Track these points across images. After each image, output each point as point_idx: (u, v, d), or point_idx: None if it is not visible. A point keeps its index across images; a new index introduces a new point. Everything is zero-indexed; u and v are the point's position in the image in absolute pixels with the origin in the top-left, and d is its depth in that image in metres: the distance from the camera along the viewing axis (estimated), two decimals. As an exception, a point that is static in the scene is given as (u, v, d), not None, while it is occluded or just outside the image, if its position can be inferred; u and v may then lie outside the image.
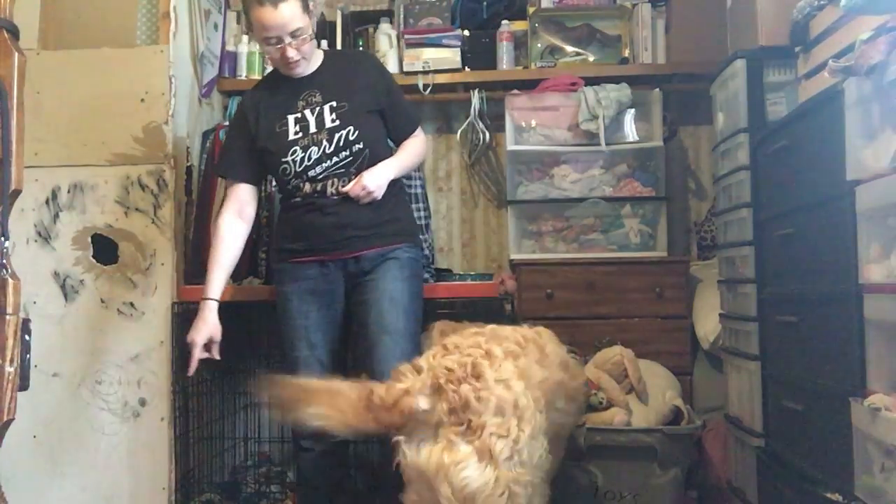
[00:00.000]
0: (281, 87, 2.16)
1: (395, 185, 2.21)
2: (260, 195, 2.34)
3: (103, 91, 2.55)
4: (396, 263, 2.12)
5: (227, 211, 2.21)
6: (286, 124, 2.11)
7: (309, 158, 2.08)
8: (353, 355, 2.25)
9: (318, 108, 2.11)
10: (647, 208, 2.96)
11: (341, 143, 2.08)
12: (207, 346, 2.13)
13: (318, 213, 2.10)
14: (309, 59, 2.12)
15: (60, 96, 2.55)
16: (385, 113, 2.19)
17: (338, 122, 2.09)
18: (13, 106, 1.26)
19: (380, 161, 2.13)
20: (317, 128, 2.09)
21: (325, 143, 2.08)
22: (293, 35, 2.02)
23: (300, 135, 2.10)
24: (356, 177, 2.09)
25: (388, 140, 2.25)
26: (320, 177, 2.09)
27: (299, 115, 2.11)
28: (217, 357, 2.15)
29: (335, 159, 2.09)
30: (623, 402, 2.34)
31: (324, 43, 3.06)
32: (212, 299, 2.15)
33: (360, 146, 2.09)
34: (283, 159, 2.10)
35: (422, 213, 2.74)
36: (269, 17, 1.98)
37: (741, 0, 2.36)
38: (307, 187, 2.11)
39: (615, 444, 2.29)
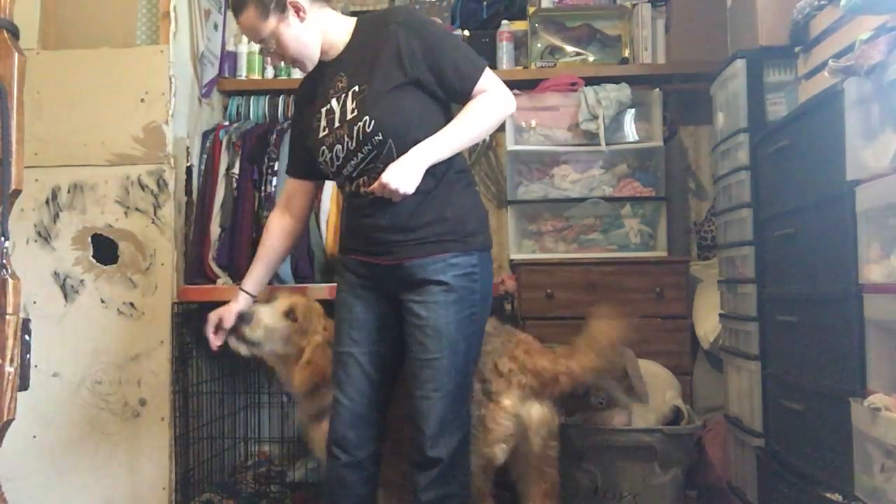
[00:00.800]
0: (319, 74, 1.92)
1: (446, 172, 1.84)
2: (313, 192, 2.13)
3: (103, 91, 2.55)
4: (440, 287, 1.82)
5: (276, 206, 2.13)
6: (319, 119, 1.88)
7: (337, 158, 1.85)
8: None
9: (343, 96, 1.84)
10: (647, 208, 2.96)
11: (361, 137, 1.80)
12: (218, 327, 2.05)
13: (357, 214, 1.89)
14: (304, 58, 1.87)
15: (60, 96, 2.54)
16: (423, 81, 1.80)
17: (356, 112, 1.80)
18: (13, 106, 1.26)
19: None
20: (340, 121, 1.83)
21: (346, 138, 1.82)
22: (264, 42, 1.85)
23: (326, 131, 1.86)
24: (383, 169, 1.79)
25: (438, 111, 1.87)
26: (354, 174, 1.85)
27: (328, 106, 1.86)
28: (217, 342, 2.07)
29: (360, 155, 1.82)
30: (623, 403, 2.34)
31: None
32: (242, 290, 2.07)
33: (380, 137, 1.78)
34: (318, 160, 1.90)
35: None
36: (240, 27, 1.89)
37: (741, 0, 2.36)
38: (347, 186, 1.90)
39: (615, 444, 2.29)
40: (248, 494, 2.74)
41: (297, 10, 1.81)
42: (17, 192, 1.29)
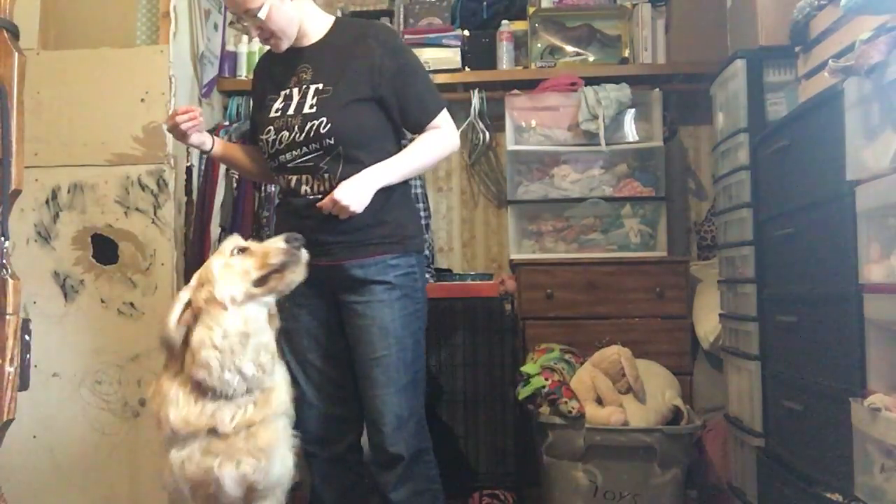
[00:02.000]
0: (283, 58, 1.94)
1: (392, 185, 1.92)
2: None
3: (103, 91, 2.55)
4: (382, 287, 1.87)
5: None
6: (275, 100, 1.92)
7: (280, 142, 1.87)
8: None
9: (304, 88, 1.88)
10: (647, 208, 2.96)
11: (311, 134, 1.83)
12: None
13: (294, 215, 1.90)
14: (284, 36, 1.87)
15: (60, 96, 2.54)
16: (386, 101, 1.87)
17: (314, 110, 1.84)
18: (13, 106, 1.26)
19: (362, 160, 1.84)
20: (294, 111, 1.87)
21: (296, 129, 1.85)
22: (250, 14, 1.83)
23: (279, 114, 1.89)
24: (326, 174, 1.85)
25: (390, 133, 1.94)
26: (290, 166, 1.88)
27: (288, 91, 1.90)
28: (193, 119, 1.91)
29: (304, 149, 1.85)
30: (616, 402, 2.34)
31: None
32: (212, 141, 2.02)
33: (331, 142, 1.82)
34: (261, 136, 1.93)
35: (422, 214, 2.73)
36: None
37: (741, 0, 2.36)
38: (282, 181, 1.92)
39: (615, 444, 2.29)
40: (248, 494, 2.74)
41: None
42: (17, 192, 1.29)
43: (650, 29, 3.06)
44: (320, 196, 1.85)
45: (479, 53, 3.11)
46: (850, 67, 1.56)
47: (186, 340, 1.68)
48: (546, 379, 2.38)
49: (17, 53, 1.28)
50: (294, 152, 1.87)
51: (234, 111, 3.06)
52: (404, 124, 1.94)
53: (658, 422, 2.35)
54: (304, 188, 1.87)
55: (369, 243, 1.87)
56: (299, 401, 1.97)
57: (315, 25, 1.94)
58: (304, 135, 1.84)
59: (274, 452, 1.70)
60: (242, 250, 1.74)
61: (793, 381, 1.89)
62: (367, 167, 1.84)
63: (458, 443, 2.77)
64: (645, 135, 2.98)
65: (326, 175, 1.85)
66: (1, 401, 1.21)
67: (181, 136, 1.93)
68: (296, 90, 1.89)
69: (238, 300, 1.68)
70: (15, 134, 1.26)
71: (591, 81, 2.97)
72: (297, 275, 1.74)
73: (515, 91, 3.03)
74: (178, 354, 1.69)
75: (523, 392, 2.40)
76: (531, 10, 3.11)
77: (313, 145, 1.84)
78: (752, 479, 2.19)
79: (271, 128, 1.90)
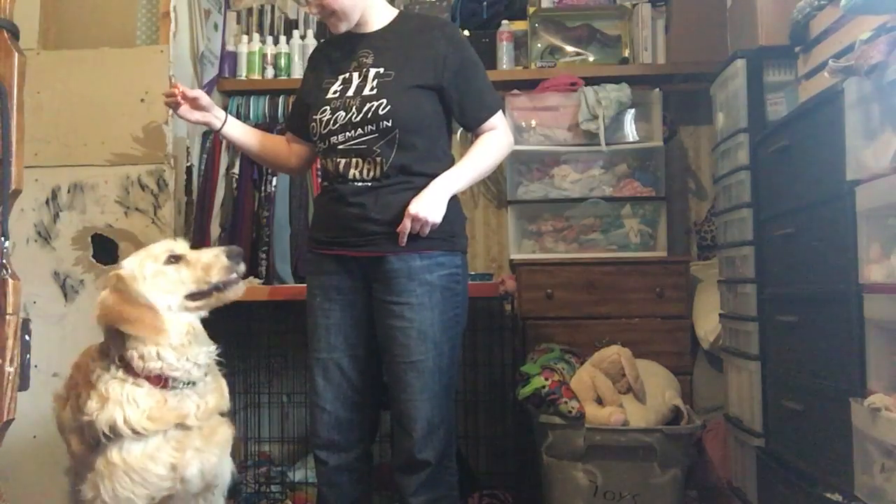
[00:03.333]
0: (343, 43, 1.94)
1: (438, 175, 1.87)
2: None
3: (103, 91, 2.55)
4: (426, 288, 1.82)
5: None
6: (332, 83, 1.89)
7: (334, 122, 1.84)
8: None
9: (364, 71, 1.86)
10: (647, 208, 2.96)
11: (369, 116, 1.81)
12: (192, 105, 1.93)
13: (340, 202, 1.85)
14: (346, 18, 1.86)
15: (60, 96, 2.55)
16: (447, 93, 1.86)
17: (375, 92, 1.82)
18: (13, 106, 1.26)
19: (415, 146, 1.83)
20: (354, 92, 1.85)
21: (353, 109, 1.82)
22: None
23: (337, 94, 1.87)
24: (379, 158, 1.82)
25: (444, 125, 1.94)
26: (340, 147, 1.84)
27: (347, 75, 1.88)
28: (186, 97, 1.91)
29: (359, 131, 1.82)
30: (616, 402, 2.34)
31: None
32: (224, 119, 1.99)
33: (389, 124, 1.80)
34: (314, 116, 1.89)
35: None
36: None
37: (741, 0, 2.36)
38: (330, 164, 1.88)
39: (615, 444, 2.29)
40: (248, 494, 2.75)
41: None
42: (17, 192, 1.29)
43: (650, 29, 3.06)
44: (369, 182, 1.83)
45: (479, 53, 3.08)
46: (850, 67, 1.56)
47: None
48: (546, 379, 2.38)
49: (17, 53, 1.28)
50: (348, 133, 1.84)
51: (235, 111, 3.05)
52: (461, 118, 1.92)
53: (658, 422, 2.34)
54: (352, 171, 1.84)
55: (418, 237, 1.81)
56: (313, 405, 1.95)
57: (379, 15, 1.93)
58: (361, 115, 1.82)
59: (227, 447, 1.69)
60: (177, 258, 1.66)
61: (793, 381, 1.89)
62: (421, 154, 1.84)
63: (458, 443, 2.77)
64: (645, 135, 2.98)
65: (379, 159, 1.82)
66: (1, 401, 1.21)
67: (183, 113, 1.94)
68: (356, 73, 1.87)
69: (174, 308, 1.62)
70: (15, 134, 1.26)
71: (591, 81, 2.97)
72: (235, 294, 1.69)
73: (515, 91, 3.03)
74: (117, 348, 1.59)
75: (523, 392, 2.40)
76: (531, 10, 3.11)
77: (369, 127, 1.82)
78: (752, 479, 2.19)
79: (327, 108, 1.87)
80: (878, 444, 1.42)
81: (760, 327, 2.15)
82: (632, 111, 2.96)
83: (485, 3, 3.18)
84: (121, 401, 1.55)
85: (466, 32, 3.11)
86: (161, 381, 1.59)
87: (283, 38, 3.16)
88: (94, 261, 2.52)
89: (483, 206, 3.32)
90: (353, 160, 1.84)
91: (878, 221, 1.49)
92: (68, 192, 2.54)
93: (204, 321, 1.72)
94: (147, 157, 2.54)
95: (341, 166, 1.85)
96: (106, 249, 2.53)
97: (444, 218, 1.82)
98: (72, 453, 1.74)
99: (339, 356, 1.92)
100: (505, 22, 3.12)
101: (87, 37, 2.64)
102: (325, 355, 1.92)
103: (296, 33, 3.17)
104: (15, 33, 1.30)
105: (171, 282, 1.63)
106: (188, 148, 2.72)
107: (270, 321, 2.94)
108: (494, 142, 1.91)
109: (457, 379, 1.95)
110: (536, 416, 2.39)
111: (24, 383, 1.26)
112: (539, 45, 3.11)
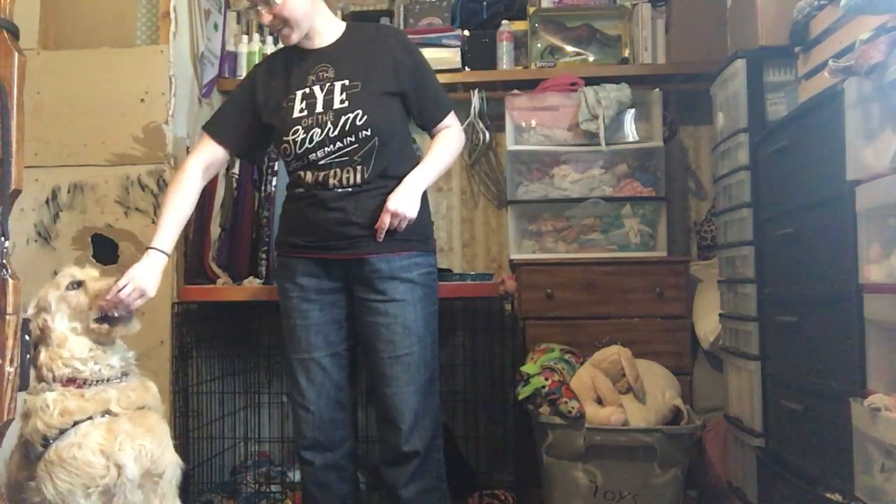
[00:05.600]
0: (294, 59, 1.97)
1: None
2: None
3: (103, 91, 2.55)
4: (407, 285, 1.90)
5: (195, 158, 2.00)
6: (293, 100, 1.92)
7: (310, 140, 1.88)
8: (365, 371, 2.09)
9: (328, 86, 1.90)
10: (647, 208, 2.96)
11: (347, 128, 1.86)
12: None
13: (319, 207, 1.90)
14: (297, 28, 1.90)
15: (60, 96, 2.55)
16: (408, 96, 1.95)
17: (346, 104, 1.87)
18: (13, 106, 1.26)
19: (392, 151, 1.91)
20: (323, 107, 1.88)
21: (329, 125, 1.86)
22: (265, 1, 1.86)
23: (305, 113, 1.90)
24: (360, 166, 1.87)
25: (410, 126, 2.05)
26: (321, 163, 1.89)
27: (307, 90, 1.91)
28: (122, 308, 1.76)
29: (339, 144, 1.87)
30: (616, 402, 2.34)
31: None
32: (160, 251, 1.88)
33: (368, 133, 1.86)
34: (285, 138, 1.91)
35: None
36: None
37: (741, 0, 2.36)
38: (308, 176, 1.91)
39: (615, 444, 2.29)
40: (248, 494, 2.74)
41: None
42: (17, 192, 1.29)
43: (650, 29, 3.06)
44: (349, 189, 1.89)
45: (479, 53, 3.11)
46: (850, 67, 1.56)
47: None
48: (546, 379, 2.39)
49: (17, 53, 1.28)
50: (327, 148, 1.89)
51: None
52: (419, 119, 2.01)
53: (658, 422, 2.35)
54: (332, 181, 1.89)
55: (397, 239, 1.90)
56: (296, 405, 1.98)
57: (329, 27, 1.99)
58: (338, 129, 1.87)
59: (164, 435, 1.70)
60: (78, 284, 1.74)
61: (793, 381, 1.89)
62: (395, 157, 1.92)
63: (458, 443, 2.77)
64: (645, 135, 2.98)
65: (360, 168, 1.89)
66: (1, 401, 1.21)
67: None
68: (317, 88, 1.91)
69: (78, 332, 1.70)
70: (15, 134, 1.26)
71: (591, 81, 2.97)
72: (126, 329, 1.76)
73: (515, 91, 3.03)
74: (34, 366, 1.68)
75: (523, 392, 2.40)
76: (531, 10, 3.11)
77: (349, 139, 1.87)
78: (752, 479, 2.19)
79: (298, 127, 1.90)
80: (878, 444, 1.42)
81: (760, 327, 2.15)
82: (632, 111, 2.96)
83: (485, 3, 3.18)
84: (37, 409, 1.62)
85: (466, 32, 3.12)
86: (74, 382, 1.66)
87: (283, 38, 3.16)
88: (94, 261, 2.52)
89: (483, 206, 3.32)
90: (334, 171, 1.89)
91: (878, 221, 1.49)
92: (68, 192, 2.54)
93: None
94: (147, 157, 2.54)
95: (321, 177, 1.90)
96: (106, 249, 2.53)
97: (418, 220, 1.92)
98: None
99: (321, 355, 1.96)
100: (505, 22, 3.11)
101: (87, 37, 2.64)
102: (307, 355, 1.96)
103: (296, 33, 3.16)
104: (15, 33, 1.30)
105: (73, 306, 1.71)
106: (188, 148, 2.72)
107: (270, 321, 2.93)
108: (453, 139, 2.02)
109: (438, 373, 2.00)
110: (536, 416, 2.39)
111: (24, 383, 1.26)
112: (539, 45, 3.11)
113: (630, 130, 2.98)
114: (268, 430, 3.08)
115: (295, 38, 1.93)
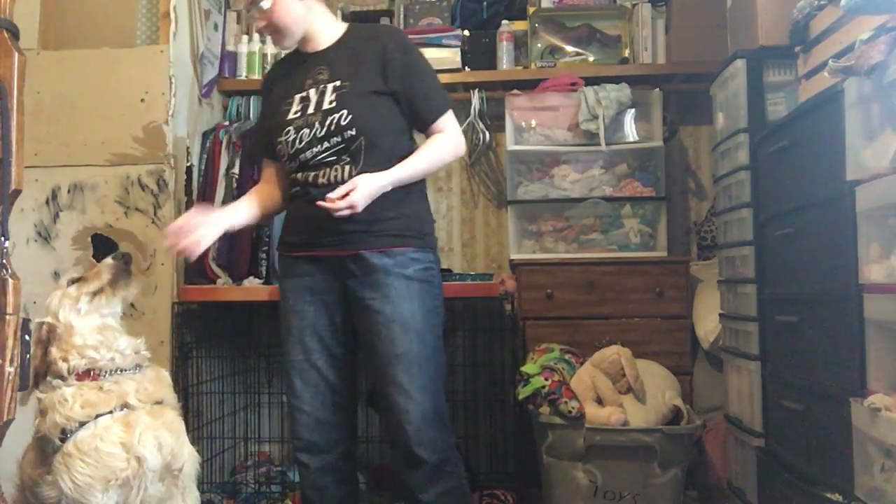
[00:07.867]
0: (296, 63, 2.00)
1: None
2: None
3: (103, 91, 2.55)
4: (403, 282, 1.87)
5: (261, 181, 2.11)
6: (291, 102, 1.94)
7: (300, 141, 1.89)
8: (365, 371, 2.10)
9: (321, 87, 1.91)
10: (647, 208, 2.96)
11: (332, 128, 1.86)
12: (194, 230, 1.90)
13: (311, 204, 1.88)
14: (288, 33, 1.92)
15: (60, 96, 2.55)
16: (399, 96, 1.92)
17: (334, 104, 1.87)
18: (13, 106, 1.26)
19: (382, 152, 1.89)
20: (314, 109, 1.90)
21: (317, 125, 1.88)
22: (255, 5, 1.88)
23: (298, 114, 1.91)
24: (348, 166, 1.87)
25: (405, 128, 1.99)
26: (311, 163, 1.90)
27: (305, 93, 1.93)
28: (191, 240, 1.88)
29: (325, 144, 1.88)
30: (616, 402, 2.34)
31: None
32: (232, 212, 2.00)
33: (353, 133, 1.86)
34: (278, 139, 1.94)
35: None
36: None
37: (741, 0, 2.36)
38: (301, 176, 1.92)
39: (615, 444, 2.29)
40: (248, 494, 2.74)
41: None
42: (17, 192, 1.29)
43: (650, 29, 3.06)
44: (337, 185, 1.84)
45: (479, 53, 3.11)
46: (850, 67, 1.56)
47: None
48: (546, 379, 2.39)
49: (17, 53, 1.28)
50: (315, 149, 1.89)
51: (234, 111, 3.06)
52: (412, 120, 1.97)
53: (658, 422, 2.35)
54: (321, 180, 1.89)
55: (390, 234, 1.88)
56: (292, 407, 1.97)
57: (328, 31, 1.99)
58: (325, 130, 1.87)
59: (181, 431, 1.74)
60: (76, 280, 1.83)
61: (793, 381, 1.89)
62: (386, 156, 1.88)
63: (458, 443, 2.77)
64: (645, 135, 2.98)
65: (348, 167, 1.88)
66: (1, 401, 1.21)
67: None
68: (312, 90, 1.92)
69: (82, 313, 1.76)
70: (15, 134, 1.26)
71: (591, 81, 2.97)
72: (127, 290, 1.84)
73: (515, 91, 3.03)
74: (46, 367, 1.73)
75: (523, 392, 2.40)
76: (531, 10, 3.11)
77: (335, 139, 1.87)
78: (752, 479, 2.19)
79: (290, 128, 1.92)
80: (878, 444, 1.42)
81: (760, 327, 2.14)
82: (632, 111, 2.96)
83: (485, 3, 3.18)
84: (54, 403, 1.66)
85: (466, 32, 3.12)
86: (90, 374, 1.69)
87: (283, 38, 3.16)
88: (94, 261, 2.52)
89: (483, 206, 3.32)
90: (323, 170, 1.90)
91: (878, 221, 1.49)
92: (68, 192, 2.54)
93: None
94: (147, 157, 2.54)
95: (311, 177, 1.91)
96: (106, 249, 2.53)
97: (414, 216, 1.93)
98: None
99: (316, 357, 1.94)
100: (505, 22, 3.12)
101: (87, 37, 2.64)
102: (301, 357, 1.95)
103: (296, 33, 3.17)
104: (15, 33, 1.30)
105: (73, 296, 1.78)
106: (188, 148, 2.72)
107: (270, 321, 2.93)
108: (438, 144, 1.95)
109: (444, 370, 1.97)
110: (536, 416, 2.39)
111: (24, 383, 1.26)
112: (539, 45, 3.11)
113: (630, 130, 2.98)
114: (268, 430, 3.08)
115: (287, 43, 1.96)
